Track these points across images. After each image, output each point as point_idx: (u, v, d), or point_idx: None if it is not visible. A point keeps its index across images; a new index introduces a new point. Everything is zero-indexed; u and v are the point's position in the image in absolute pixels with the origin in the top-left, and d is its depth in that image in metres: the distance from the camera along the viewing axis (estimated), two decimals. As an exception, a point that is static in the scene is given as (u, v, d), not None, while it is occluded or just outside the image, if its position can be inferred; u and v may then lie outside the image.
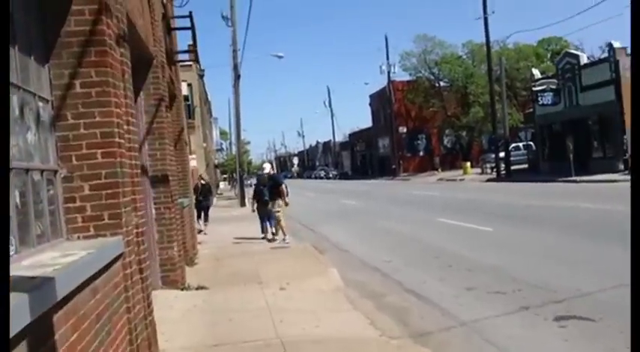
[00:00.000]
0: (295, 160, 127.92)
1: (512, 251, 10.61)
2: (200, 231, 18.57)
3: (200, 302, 8.14)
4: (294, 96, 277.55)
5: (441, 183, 38.58)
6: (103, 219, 4.70)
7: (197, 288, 9.04)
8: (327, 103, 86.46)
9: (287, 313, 7.32)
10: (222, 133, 79.49)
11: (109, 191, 4.72)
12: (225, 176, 75.37)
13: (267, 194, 14.74)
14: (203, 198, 19.68)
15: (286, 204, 14.68)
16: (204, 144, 34.68)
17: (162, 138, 8.80)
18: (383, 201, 26.29)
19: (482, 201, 21.40)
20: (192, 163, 29.07)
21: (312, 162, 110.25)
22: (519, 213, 16.19)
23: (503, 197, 21.88)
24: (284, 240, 14.16)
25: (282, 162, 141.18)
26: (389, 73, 56.07)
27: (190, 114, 32.71)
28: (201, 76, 35.00)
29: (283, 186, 14.50)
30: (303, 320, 6.95)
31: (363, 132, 75.76)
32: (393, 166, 56.18)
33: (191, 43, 12.50)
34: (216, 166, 51.39)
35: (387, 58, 55.69)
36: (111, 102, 4.77)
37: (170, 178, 9.02)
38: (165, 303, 7.98)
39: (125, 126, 5.37)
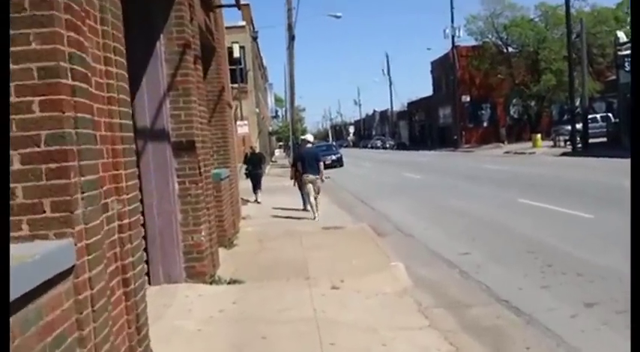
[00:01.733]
0: (351, 129, 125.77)
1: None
2: (254, 201, 17.71)
3: (229, 304, 6.34)
4: (351, 64, 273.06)
5: (509, 157, 35.72)
6: (43, 211, 2.86)
7: (229, 282, 7.28)
8: (385, 71, 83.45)
9: (340, 329, 5.44)
10: (278, 100, 77.87)
11: (52, 166, 2.86)
12: (280, 143, 74.01)
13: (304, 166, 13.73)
14: (252, 168, 18.41)
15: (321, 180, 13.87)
16: (257, 110, 32.94)
17: (188, 95, 6.95)
18: (449, 175, 23.97)
19: (566, 178, 18.81)
20: (244, 130, 27.54)
21: (369, 132, 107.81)
22: (621, 197, 13.58)
23: (591, 174, 19.19)
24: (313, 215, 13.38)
25: (338, 131, 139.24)
26: (453, 37, 52.72)
27: (243, 78, 31.05)
28: (254, 39, 33.08)
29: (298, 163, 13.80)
30: (362, 345, 5.05)
31: (423, 101, 72.59)
32: (455, 137, 53.23)
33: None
34: (270, 133, 49.80)
35: (452, 22, 52.32)
36: (57, 20, 2.88)
37: (199, 145, 7.19)
38: (184, 305, 6.22)
39: (98, 66, 3.49)
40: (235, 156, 26.40)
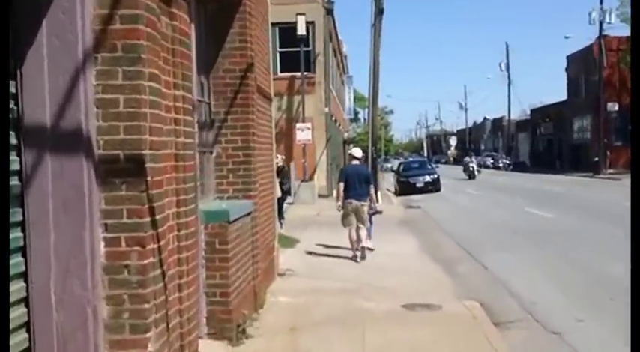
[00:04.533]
0: (453, 141, 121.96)
1: None
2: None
3: None
4: (457, 56, 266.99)
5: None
6: None
7: None
8: (503, 66, 79.45)
9: None
10: (360, 99, 75.50)
11: None
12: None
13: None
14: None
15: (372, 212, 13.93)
16: (327, 110, 30.39)
17: (136, 61, 4.26)
18: (597, 217, 20.29)
19: None
20: (305, 136, 25.24)
21: (476, 145, 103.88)
22: None
23: None
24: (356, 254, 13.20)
25: (435, 142, 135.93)
26: (601, 23, 48.59)
27: (310, 64, 28.65)
28: (329, 12, 30.39)
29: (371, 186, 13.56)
30: None
31: (552, 109, 68.48)
32: (595, 158, 48.87)
33: None
34: (345, 142, 47.18)
35: (601, 2, 48.20)
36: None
37: (159, 165, 4.54)
38: None
39: None
40: (292, 173, 23.67)
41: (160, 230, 4.54)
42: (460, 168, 60.62)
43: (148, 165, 4.33)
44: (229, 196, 8.14)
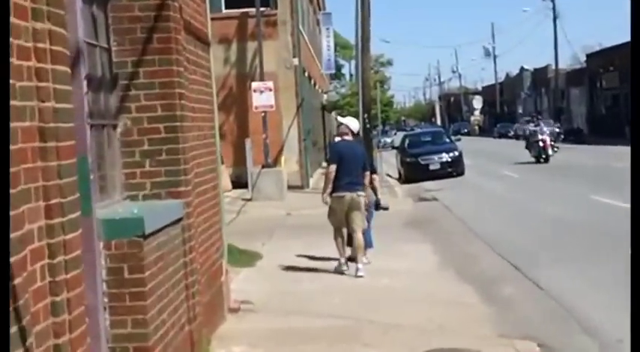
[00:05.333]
0: (477, 102, 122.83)
1: None
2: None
3: None
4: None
5: None
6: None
7: None
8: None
9: None
10: (344, 47, 75.67)
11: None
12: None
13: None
14: None
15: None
16: (296, 62, 30.43)
17: None
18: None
19: None
20: (265, 100, 25.32)
21: (511, 107, 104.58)
22: None
23: None
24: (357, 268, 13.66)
25: (453, 105, 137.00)
26: None
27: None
28: None
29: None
30: None
31: (616, 52, 69.27)
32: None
33: None
34: (324, 108, 46.98)
35: None
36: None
37: None
38: None
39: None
40: (249, 155, 23.74)
41: (14, 258, 3.93)
42: (489, 140, 60.27)
43: None
44: (146, 194, 7.92)
